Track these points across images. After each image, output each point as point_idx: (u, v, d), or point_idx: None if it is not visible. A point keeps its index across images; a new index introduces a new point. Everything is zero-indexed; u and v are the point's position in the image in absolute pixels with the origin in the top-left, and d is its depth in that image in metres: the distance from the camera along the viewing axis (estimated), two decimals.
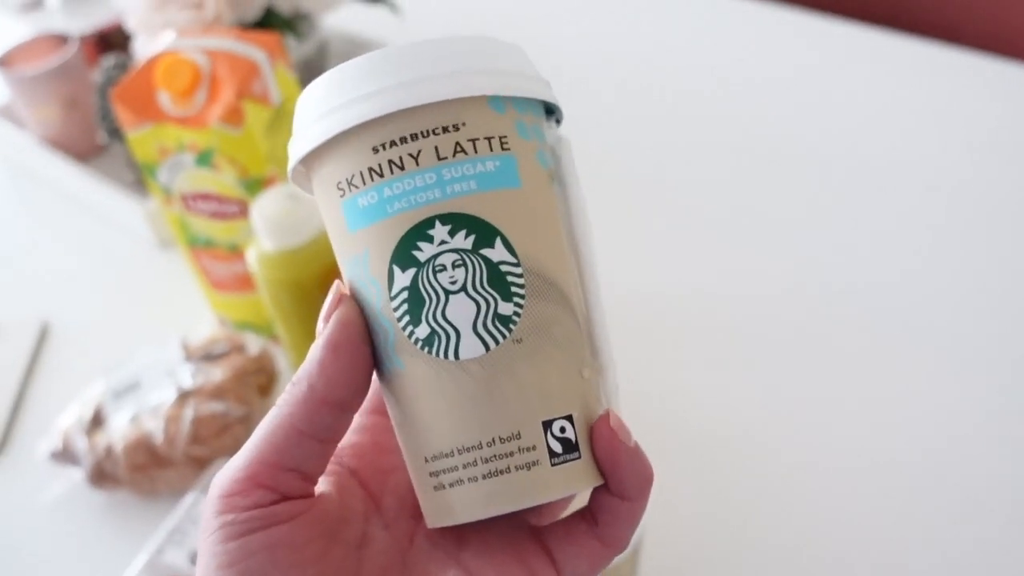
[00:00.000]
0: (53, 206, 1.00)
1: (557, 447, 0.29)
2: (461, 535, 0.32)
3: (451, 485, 0.29)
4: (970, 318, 0.72)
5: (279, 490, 0.29)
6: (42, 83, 0.98)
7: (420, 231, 0.28)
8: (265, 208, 0.62)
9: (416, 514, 0.33)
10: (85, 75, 1.00)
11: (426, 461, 0.29)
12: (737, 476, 0.64)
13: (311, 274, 0.62)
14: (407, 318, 0.29)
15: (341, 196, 0.29)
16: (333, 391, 0.28)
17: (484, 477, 0.29)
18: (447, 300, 0.28)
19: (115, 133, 0.92)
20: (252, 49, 0.67)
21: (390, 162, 0.28)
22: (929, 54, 1.00)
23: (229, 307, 0.78)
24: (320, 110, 0.29)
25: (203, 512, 0.29)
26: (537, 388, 0.29)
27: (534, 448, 0.29)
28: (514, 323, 0.29)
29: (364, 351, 0.29)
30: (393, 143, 0.28)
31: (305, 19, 0.98)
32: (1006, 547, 0.59)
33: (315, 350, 0.29)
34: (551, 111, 0.32)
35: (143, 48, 0.89)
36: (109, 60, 0.92)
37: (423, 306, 0.28)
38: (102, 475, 0.67)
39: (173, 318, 0.83)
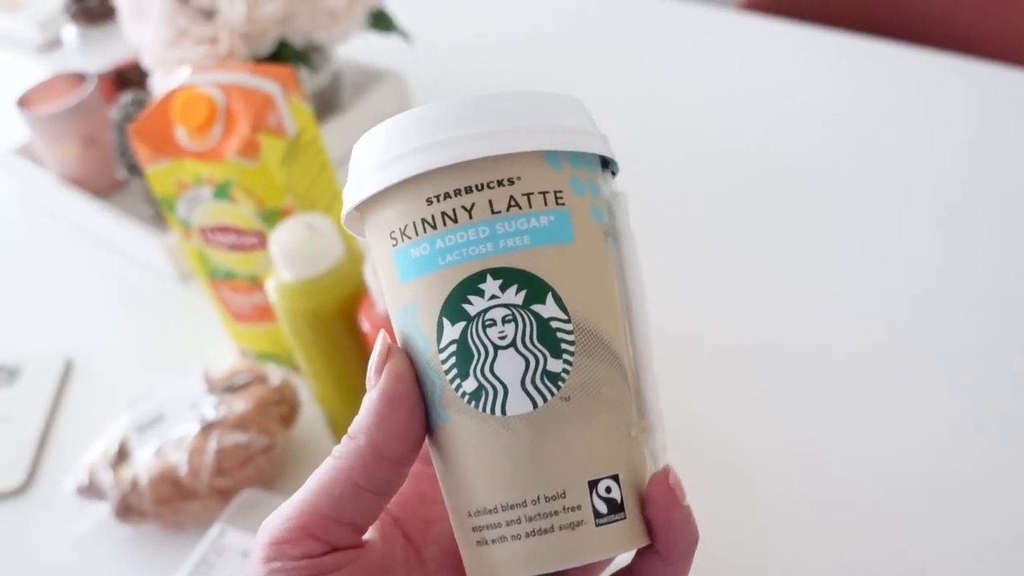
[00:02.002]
0: (73, 243, 1.01)
1: (602, 507, 0.29)
2: None
3: (493, 541, 0.29)
4: (992, 332, 0.72)
5: (330, 541, 0.28)
6: (60, 122, 0.99)
7: (471, 284, 0.28)
8: (283, 239, 0.62)
9: (458, 566, 0.32)
10: (103, 112, 1.01)
11: (469, 516, 0.29)
12: (753, 491, 0.64)
13: (330, 303, 0.62)
14: (455, 371, 0.28)
15: (394, 246, 0.29)
16: (393, 446, 0.28)
17: (528, 535, 0.28)
18: (496, 355, 0.28)
19: (133, 169, 0.93)
20: (266, 82, 0.68)
21: (443, 214, 0.28)
22: (946, 65, 1.00)
23: (250, 338, 0.78)
24: (379, 159, 0.29)
25: (251, 555, 0.29)
26: (584, 447, 0.29)
27: (579, 508, 0.28)
28: (563, 380, 0.28)
29: (419, 404, 0.29)
30: (447, 195, 0.28)
31: (318, 51, 0.99)
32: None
33: (371, 404, 0.29)
34: (607, 163, 0.32)
35: (160, 84, 0.90)
36: (126, 97, 0.94)
37: (471, 360, 0.28)
38: (128, 509, 0.67)
39: (195, 350, 0.83)
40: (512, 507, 0.28)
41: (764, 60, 1.07)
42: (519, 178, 0.28)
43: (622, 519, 0.29)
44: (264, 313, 0.75)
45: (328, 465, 0.29)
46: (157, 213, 0.95)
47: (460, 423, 0.29)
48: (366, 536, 0.31)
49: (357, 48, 1.11)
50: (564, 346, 0.28)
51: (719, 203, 0.88)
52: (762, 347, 0.74)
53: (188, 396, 0.71)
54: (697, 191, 0.90)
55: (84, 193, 1.00)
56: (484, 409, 0.28)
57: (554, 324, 0.28)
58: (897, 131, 0.92)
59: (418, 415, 0.29)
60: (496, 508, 0.28)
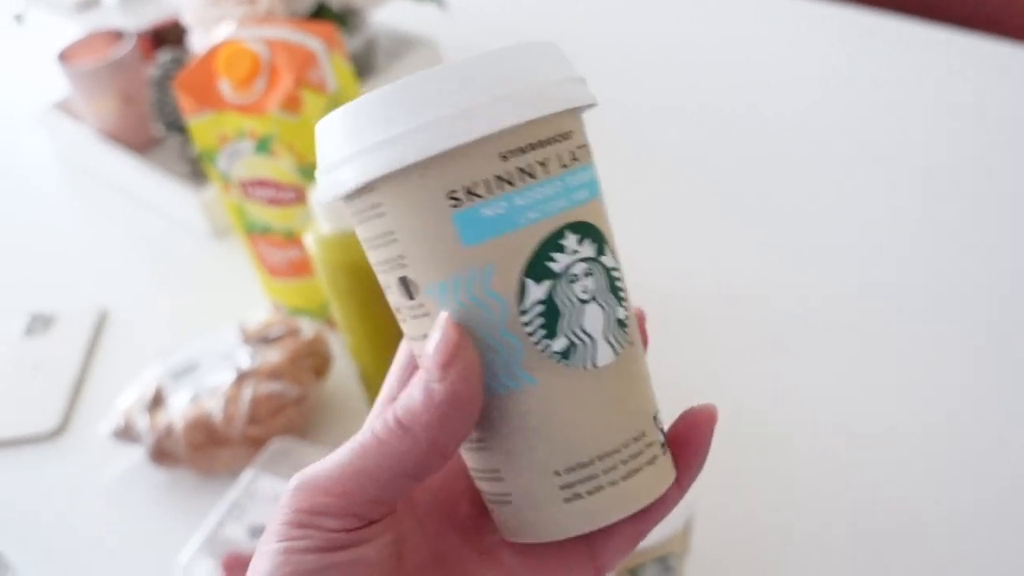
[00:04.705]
0: (110, 197, 1.03)
1: (661, 437, 0.31)
2: (493, 530, 0.33)
3: (589, 493, 0.29)
4: (1011, 305, 0.72)
5: (369, 518, 0.29)
6: (100, 77, 1.01)
7: (554, 241, 0.28)
8: None
9: (445, 510, 0.33)
10: (141, 70, 1.03)
11: (556, 474, 0.29)
12: (780, 456, 0.65)
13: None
14: (542, 332, 0.28)
15: (455, 206, 0.28)
16: (451, 445, 0.28)
17: (623, 479, 0.29)
18: (582, 310, 0.28)
19: (170, 126, 0.95)
20: (310, 38, 0.69)
21: (520, 170, 0.28)
22: (967, 45, 1.00)
23: (284, 293, 0.80)
24: (421, 118, 0.27)
25: (279, 514, 0.29)
26: (646, 386, 0.30)
27: (653, 443, 0.30)
28: (627, 327, 0.30)
29: (480, 398, 0.28)
30: (521, 150, 0.28)
31: (355, 14, 0.99)
32: None
33: (435, 401, 0.27)
34: None
35: (198, 42, 0.91)
36: (165, 55, 0.95)
37: (559, 318, 0.28)
38: (162, 453, 0.69)
39: (228, 304, 0.85)
40: (608, 455, 0.29)
41: (787, 37, 1.07)
42: (572, 132, 0.29)
43: (667, 443, 0.31)
44: (298, 268, 0.77)
45: (375, 450, 0.28)
46: (193, 170, 0.97)
47: (547, 383, 0.28)
48: None
49: (392, 14, 1.12)
50: (621, 294, 0.30)
51: (734, 175, 0.89)
52: (793, 317, 0.75)
53: (223, 346, 0.72)
54: (705, 162, 0.91)
55: (121, 149, 1.02)
56: (576, 365, 0.28)
57: (614, 273, 0.29)
58: (918, 110, 0.92)
59: (478, 409, 0.28)
60: (592, 460, 0.29)
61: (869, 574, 0.58)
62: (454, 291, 0.28)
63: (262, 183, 0.72)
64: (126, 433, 0.70)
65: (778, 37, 1.07)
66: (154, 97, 0.95)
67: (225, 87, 0.69)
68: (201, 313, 0.85)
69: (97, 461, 0.74)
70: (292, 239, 0.75)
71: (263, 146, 0.69)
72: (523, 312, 0.28)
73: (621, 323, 0.29)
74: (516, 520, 0.30)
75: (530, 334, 0.28)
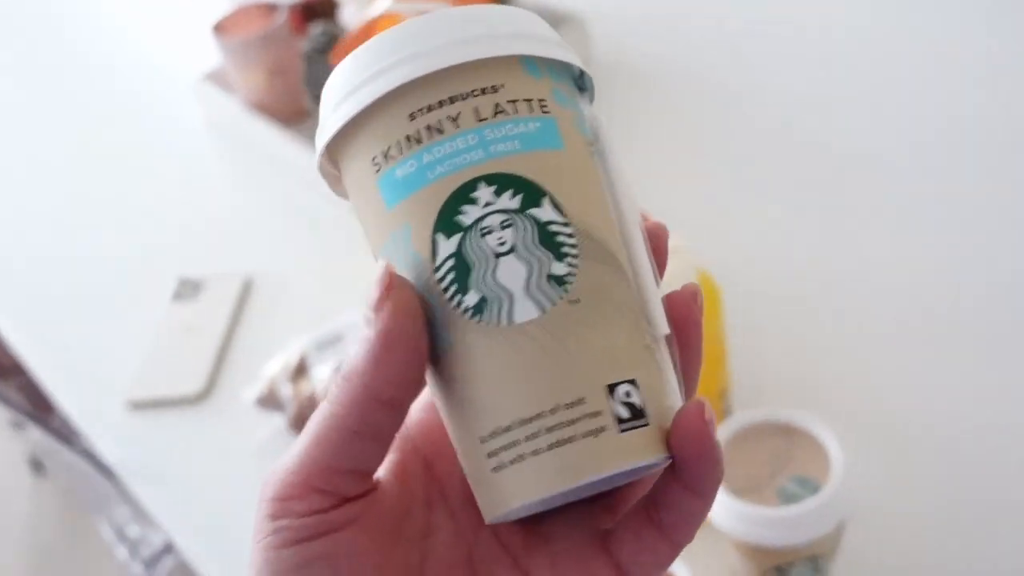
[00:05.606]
0: (257, 167, 1.05)
1: (623, 412, 0.27)
2: (527, 536, 0.30)
3: (512, 462, 0.27)
4: None
5: (336, 493, 0.27)
6: (252, 50, 1.03)
7: (463, 194, 0.27)
8: None
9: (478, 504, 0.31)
10: (292, 43, 1.04)
11: (482, 441, 0.27)
12: (938, 458, 0.62)
13: None
14: (454, 287, 0.27)
15: (377, 171, 0.28)
16: (388, 390, 0.26)
17: (549, 448, 0.27)
18: (496, 263, 0.27)
19: (320, 99, 0.95)
20: None
21: (428, 127, 0.27)
22: None
23: None
24: (345, 90, 0.28)
25: (256, 514, 0.27)
26: (598, 350, 0.27)
27: (599, 413, 0.27)
28: (569, 283, 0.27)
29: (421, 343, 0.27)
30: (431, 107, 0.27)
31: None
32: None
33: (368, 344, 0.26)
34: (583, 89, 0.31)
35: (351, 16, 0.92)
36: (316, 28, 0.96)
37: (471, 272, 0.27)
38: (304, 421, 0.69)
39: (368, 278, 0.85)
40: (530, 420, 0.27)
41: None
42: (502, 86, 0.28)
43: (645, 425, 0.28)
44: None
45: (323, 411, 0.27)
46: None
47: (465, 343, 0.27)
48: (382, 474, 0.29)
49: None
50: (566, 249, 0.27)
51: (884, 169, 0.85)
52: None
53: None
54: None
55: (270, 120, 1.03)
56: (490, 321, 0.27)
57: (553, 227, 0.27)
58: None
59: (417, 356, 0.27)
60: (512, 425, 0.27)
61: None
62: (390, 257, 0.28)
63: None
64: (269, 401, 0.71)
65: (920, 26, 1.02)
66: (305, 70, 0.96)
67: None
68: (342, 285, 0.86)
69: (240, 426, 0.75)
70: None
71: None
72: (437, 269, 0.27)
73: (557, 279, 0.27)
74: (477, 497, 0.29)
75: (445, 290, 0.27)
